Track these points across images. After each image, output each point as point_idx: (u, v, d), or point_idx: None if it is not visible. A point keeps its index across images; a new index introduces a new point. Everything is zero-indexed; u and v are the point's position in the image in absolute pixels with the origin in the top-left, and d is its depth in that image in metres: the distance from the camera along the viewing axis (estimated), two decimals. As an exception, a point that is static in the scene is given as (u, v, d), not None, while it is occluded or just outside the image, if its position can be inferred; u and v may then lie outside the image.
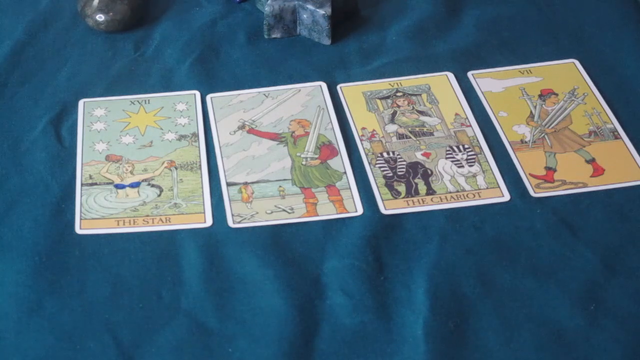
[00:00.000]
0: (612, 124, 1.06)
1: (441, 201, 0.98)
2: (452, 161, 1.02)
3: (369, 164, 1.02)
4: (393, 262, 0.92)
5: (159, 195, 0.99)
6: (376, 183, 1.00)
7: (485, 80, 1.12)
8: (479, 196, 0.99)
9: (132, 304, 0.89)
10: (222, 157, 1.03)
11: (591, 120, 1.07)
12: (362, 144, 1.05)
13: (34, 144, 1.04)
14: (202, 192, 0.99)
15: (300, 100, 1.10)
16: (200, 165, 1.02)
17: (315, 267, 0.92)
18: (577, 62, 1.14)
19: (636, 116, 1.07)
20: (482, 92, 1.11)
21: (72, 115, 1.08)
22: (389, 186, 1.00)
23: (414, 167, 1.02)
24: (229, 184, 1.00)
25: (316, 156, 1.03)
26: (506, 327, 0.87)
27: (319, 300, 0.89)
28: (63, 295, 0.89)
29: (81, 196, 0.99)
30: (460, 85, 1.11)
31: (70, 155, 1.04)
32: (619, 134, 1.05)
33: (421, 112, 1.08)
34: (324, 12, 1.15)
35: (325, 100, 1.10)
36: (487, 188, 0.99)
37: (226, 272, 0.92)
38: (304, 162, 1.03)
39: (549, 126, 1.06)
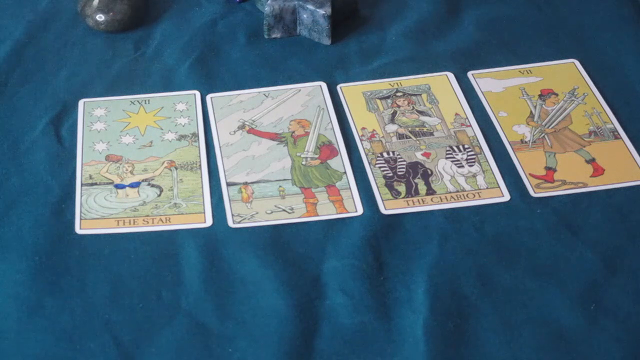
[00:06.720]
0: (612, 124, 1.06)
1: (441, 201, 0.98)
2: (452, 161, 1.02)
3: (369, 164, 1.02)
4: (393, 262, 0.92)
5: (159, 195, 0.99)
6: (376, 183, 1.00)
7: (485, 80, 1.12)
8: (479, 196, 0.99)
9: (132, 304, 0.89)
10: (222, 157, 1.03)
11: (591, 120, 1.07)
12: (362, 144, 1.05)
13: (34, 144, 1.04)
14: (202, 192, 0.99)
15: (300, 100, 1.10)
16: (200, 165, 1.02)
17: (315, 267, 0.92)
18: (577, 62, 1.14)
19: (636, 116, 1.07)
20: (482, 92, 1.10)
21: (72, 115, 1.08)
22: (389, 186, 1.00)
23: (414, 167, 1.02)
24: (229, 184, 1.00)
25: (316, 156, 1.03)
26: (506, 327, 0.87)
27: (319, 300, 0.89)
28: (63, 295, 0.89)
29: (81, 196, 0.99)
30: (460, 85, 1.11)
31: (70, 155, 1.03)
32: (619, 134, 1.05)
33: (421, 112, 1.08)
34: (324, 12, 1.15)
35: (325, 100, 1.10)
36: (487, 188, 0.99)
37: (226, 272, 0.92)
38: (304, 162, 1.03)
39: (549, 126, 1.06)
